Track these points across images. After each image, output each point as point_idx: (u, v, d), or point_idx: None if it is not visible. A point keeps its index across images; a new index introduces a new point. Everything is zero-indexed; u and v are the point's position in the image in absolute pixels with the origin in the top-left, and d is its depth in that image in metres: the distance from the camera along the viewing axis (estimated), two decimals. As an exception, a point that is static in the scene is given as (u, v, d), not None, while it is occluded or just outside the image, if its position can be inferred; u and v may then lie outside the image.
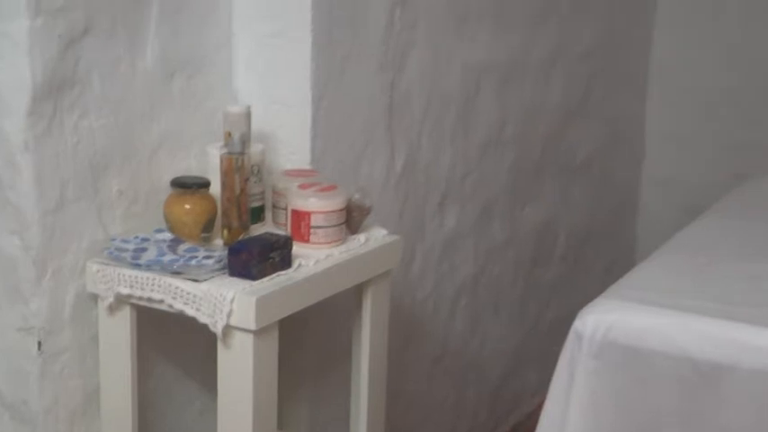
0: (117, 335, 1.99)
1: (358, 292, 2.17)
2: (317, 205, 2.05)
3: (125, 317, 1.97)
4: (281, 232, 2.07)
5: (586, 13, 3.57)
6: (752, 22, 4.00)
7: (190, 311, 1.87)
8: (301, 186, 2.09)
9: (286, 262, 1.96)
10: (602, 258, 3.89)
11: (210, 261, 1.93)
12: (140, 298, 1.93)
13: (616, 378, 1.96)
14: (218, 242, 2.03)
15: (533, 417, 2.02)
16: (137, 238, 2.03)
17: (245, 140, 2.05)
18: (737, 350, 1.89)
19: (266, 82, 2.28)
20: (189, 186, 2.02)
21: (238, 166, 2.01)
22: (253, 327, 1.83)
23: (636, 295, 2.07)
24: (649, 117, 4.26)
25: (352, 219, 2.13)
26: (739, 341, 1.90)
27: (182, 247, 1.99)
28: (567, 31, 3.45)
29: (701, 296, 2.05)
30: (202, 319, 1.86)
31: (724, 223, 2.60)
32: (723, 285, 2.13)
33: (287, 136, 2.29)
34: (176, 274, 1.90)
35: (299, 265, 1.97)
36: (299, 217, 2.06)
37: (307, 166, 2.27)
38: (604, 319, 1.97)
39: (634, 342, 1.94)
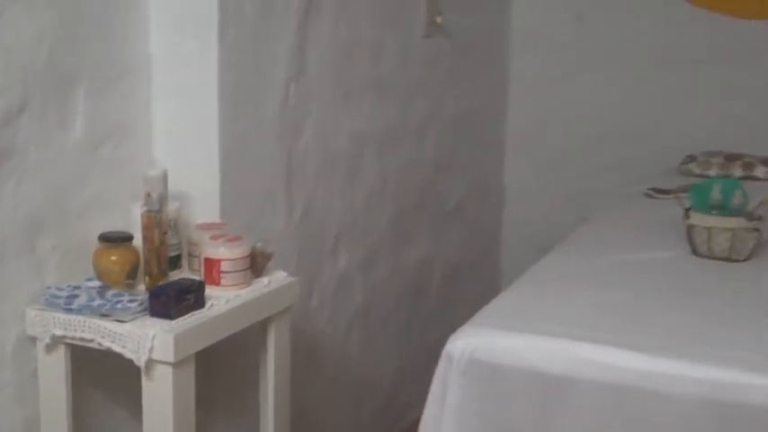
0: (54, 371, 1.95)
1: (263, 326, 2.15)
2: (226, 254, 2.05)
3: (60, 355, 1.93)
4: (196, 277, 2.05)
5: (454, 87, 3.61)
6: (591, 91, 4.09)
7: (117, 348, 1.84)
8: (212, 238, 2.08)
9: (200, 303, 1.94)
10: (471, 290, 3.92)
11: (134, 304, 1.90)
12: (73, 338, 1.89)
13: (480, 391, 1.96)
14: (141, 287, 2.00)
15: (417, 425, 2.03)
16: (69, 285, 1.99)
17: (163, 199, 2.02)
18: (579, 365, 1.90)
19: (180, 149, 2.26)
20: (114, 240, 1.99)
21: (157, 222, 1.99)
22: (171, 360, 1.81)
23: (496, 322, 2.07)
24: (507, 170, 4.31)
25: (256, 264, 2.13)
26: (581, 357, 1.91)
27: (109, 293, 1.95)
28: (438, 101, 3.48)
29: (550, 320, 2.06)
30: (128, 354, 1.83)
31: (570, 258, 2.61)
32: (569, 310, 2.14)
33: (199, 195, 2.26)
34: (104, 316, 1.87)
35: (212, 305, 1.96)
36: (211, 264, 2.05)
37: (217, 220, 2.25)
38: (470, 342, 1.97)
39: (494, 360, 1.95)
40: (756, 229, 2.49)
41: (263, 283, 2.12)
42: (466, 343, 1.97)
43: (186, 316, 1.88)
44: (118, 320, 1.85)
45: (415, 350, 3.41)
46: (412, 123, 3.30)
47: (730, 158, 3.60)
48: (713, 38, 3.85)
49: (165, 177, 2.05)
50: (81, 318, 1.87)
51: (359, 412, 3.15)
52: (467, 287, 3.89)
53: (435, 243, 3.60)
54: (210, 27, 2.20)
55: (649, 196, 3.31)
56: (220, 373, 2.28)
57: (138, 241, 2.00)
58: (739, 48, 3.82)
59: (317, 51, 2.65)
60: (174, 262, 2.11)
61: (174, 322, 1.85)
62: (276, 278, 2.17)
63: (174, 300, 1.87)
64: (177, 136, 2.26)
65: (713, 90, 3.88)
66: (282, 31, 2.49)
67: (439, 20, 3.34)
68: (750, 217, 2.50)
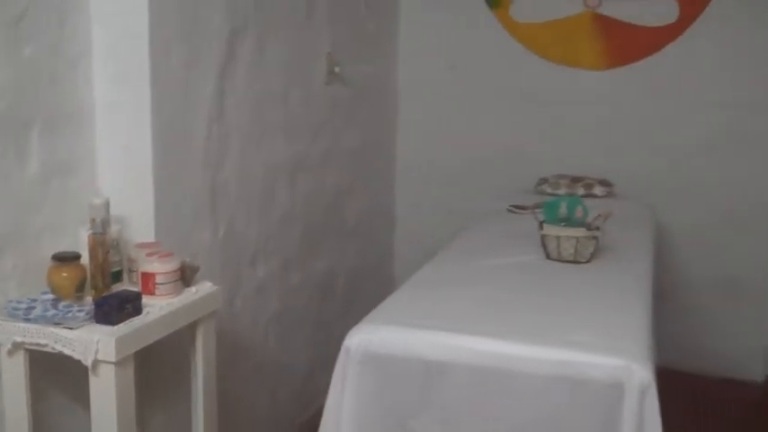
0: (15, 372, 1.92)
1: (192, 328, 2.14)
2: (159, 268, 2.04)
3: (20, 358, 1.91)
4: (135, 289, 2.03)
5: (351, 125, 3.63)
6: (464, 127, 4.17)
7: (68, 351, 1.83)
8: (148, 255, 2.06)
9: (138, 310, 1.93)
10: (369, 293, 3.91)
11: (82, 313, 1.89)
12: (31, 343, 1.87)
13: (374, 378, 2.00)
14: (88, 299, 1.98)
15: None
16: (28, 299, 1.97)
17: (106, 223, 2.02)
18: (455, 352, 1.95)
19: (120, 180, 2.23)
20: (65, 259, 1.97)
21: (101, 243, 1.98)
22: (113, 359, 1.80)
23: (387, 319, 2.11)
24: (398, 193, 4.35)
25: (185, 276, 2.12)
26: (456, 346, 1.96)
27: (61, 304, 1.94)
28: (337, 137, 3.50)
29: (431, 316, 2.10)
30: (77, 356, 1.82)
31: (448, 264, 2.64)
32: (447, 308, 2.18)
33: (137, 218, 2.24)
34: (57, 324, 1.86)
35: (148, 312, 1.95)
36: (147, 277, 2.04)
37: (152, 240, 2.23)
38: (364, 338, 2.01)
39: (385, 351, 1.99)
40: (595, 237, 2.59)
41: (192, 292, 2.11)
42: (360, 338, 2.01)
43: (126, 322, 1.87)
44: (68, 327, 1.84)
45: (324, 344, 3.40)
46: (316, 156, 3.31)
47: (575, 180, 3.72)
48: (558, 84, 3.97)
49: (107, 205, 2.05)
50: (37, 326, 1.86)
51: (277, 397, 3.14)
52: (365, 291, 3.91)
53: (338, 255, 3.62)
54: (143, 78, 2.19)
55: (511, 212, 3.38)
56: (158, 368, 2.26)
57: (85, 259, 1.99)
58: (578, 92, 3.96)
59: (234, 97, 2.65)
60: (116, 276, 2.10)
61: (115, 328, 1.84)
62: (203, 287, 2.16)
63: (115, 309, 1.86)
64: (117, 169, 2.24)
65: (560, 126, 4.00)
66: (205, 81, 2.49)
67: (337, 70, 3.36)
68: (589, 227, 2.60)
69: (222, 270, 2.62)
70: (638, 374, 1.82)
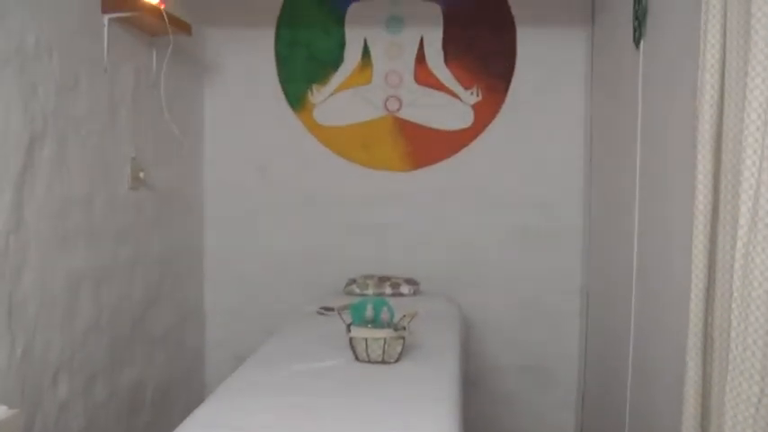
0: None
1: (-12, 455, 2.05)
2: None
3: None
4: None
5: (157, 229, 3.62)
6: (274, 227, 4.24)
7: None
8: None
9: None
10: (180, 404, 3.86)
11: None
12: None
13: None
14: None
15: None
16: None
17: None
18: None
19: None
20: None
21: None
22: None
23: (198, 425, 2.12)
24: (207, 297, 4.32)
25: (-20, 400, 2.04)
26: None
27: None
28: (143, 242, 3.48)
29: (238, 425, 2.11)
30: None
31: (257, 370, 2.64)
32: (255, 415, 2.19)
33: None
34: None
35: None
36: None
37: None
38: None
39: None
40: (402, 337, 2.70)
41: (-12, 417, 2.03)
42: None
43: None
44: None
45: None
46: (121, 263, 3.27)
47: (382, 279, 3.87)
48: (363, 184, 4.16)
49: None
50: None
51: None
52: (176, 401, 3.83)
53: (147, 365, 3.54)
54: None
55: (321, 314, 3.46)
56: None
57: None
58: (382, 192, 4.15)
59: (34, 205, 2.61)
60: None
61: None
62: (-1, 412, 2.08)
63: None
64: None
65: (366, 226, 4.15)
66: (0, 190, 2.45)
67: (142, 175, 3.37)
68: (396, 328, 2.72)
69: (21, 391, 2.52)
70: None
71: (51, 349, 2.74)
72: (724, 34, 1.86)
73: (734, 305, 1.75)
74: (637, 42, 2.99)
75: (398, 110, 4.13)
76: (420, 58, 4.10)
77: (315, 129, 4.18)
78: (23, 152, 2.55)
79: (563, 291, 4.11)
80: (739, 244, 1.73)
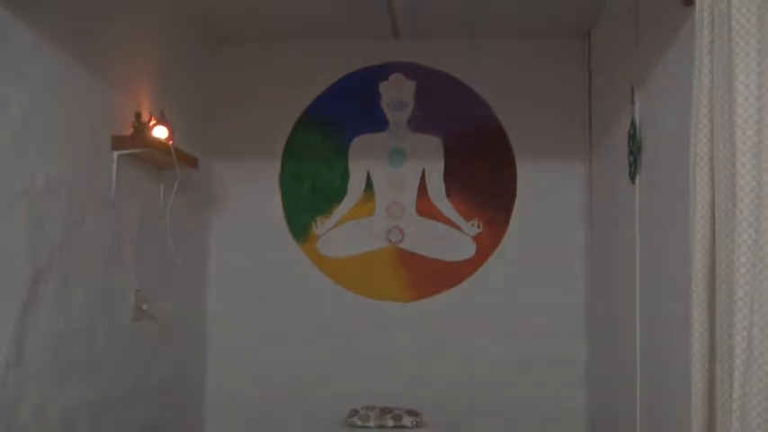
0: None
1: None
2: None
3: None
4: None
5: (158, 360, 3.60)
6: (277, 357, 4.22)
7: None
8: None
9: None
10: None
11: None
12: None
13: None
14: None
15: None
16: None
17: None
18: None
19: None
20: None
21: None
22: None
23: None
24: (208, 429, 4.28)
25: None
26: None
27: None
28: (144, 373, 3.45)
29: None
30: None
31: None
32: None
33: None
34: None
35: None
36: None
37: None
38: None
39: None
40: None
41: None
42: None
43: None
44: None
45: None
46: (122, 394, 3.24)
47: (384, 411, 3.82)
48: (365, 315, 4.18)
49: None
50: None
51: None
52: None
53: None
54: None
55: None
56: None
57: None
58: (384, 323, 4.16)
59: (35, 338, 2.61)
60: None
61: None
62: None
63: None
64: None
65: (368, 356, 4.15)
66: (2, 326, 2.45)
67: (145, 307, 3.40)
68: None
69: None
70: None
71: (45, 485, 2.69)
72: (712, 178, 1.92)
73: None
74: (632, 177, 3.07)
75: (400, 241, 4.19)
76: (422, 189, 4.19)
77: (318, 260, 4.22)
78: (28, 286, 2.58)
79: (567, 419, 4.05)
80: (736, 384, 1.73)
